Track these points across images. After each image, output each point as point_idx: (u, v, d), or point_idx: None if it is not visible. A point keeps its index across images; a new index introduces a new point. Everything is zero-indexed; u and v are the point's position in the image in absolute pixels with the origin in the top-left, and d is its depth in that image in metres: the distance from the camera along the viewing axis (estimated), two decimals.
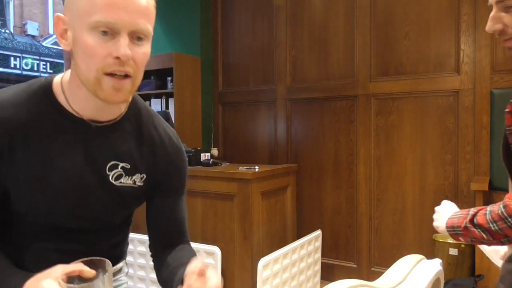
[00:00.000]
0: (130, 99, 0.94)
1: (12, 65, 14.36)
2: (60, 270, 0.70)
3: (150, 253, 1.07)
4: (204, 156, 3.08)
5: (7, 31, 14.84)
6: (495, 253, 1.23)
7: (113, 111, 0.91)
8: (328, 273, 3.28)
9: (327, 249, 3.31)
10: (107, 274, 0.70)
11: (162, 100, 3.61)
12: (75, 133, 0.87)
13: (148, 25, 0.81)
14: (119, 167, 0.92)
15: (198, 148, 3.25)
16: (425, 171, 2.98)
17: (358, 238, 3.23)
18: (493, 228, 0.96)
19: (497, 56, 2.75)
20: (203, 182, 2.80)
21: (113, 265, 1.03)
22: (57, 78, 0.90)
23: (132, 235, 2.64)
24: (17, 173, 0.84)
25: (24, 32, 16.07)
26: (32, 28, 16.15)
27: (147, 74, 3.67)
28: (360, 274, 3.20)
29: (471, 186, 2.55)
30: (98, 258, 0.72)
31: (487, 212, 0.98)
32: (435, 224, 1.16)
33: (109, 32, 0.77)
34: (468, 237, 1.02)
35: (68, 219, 0.90)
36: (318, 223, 3.37)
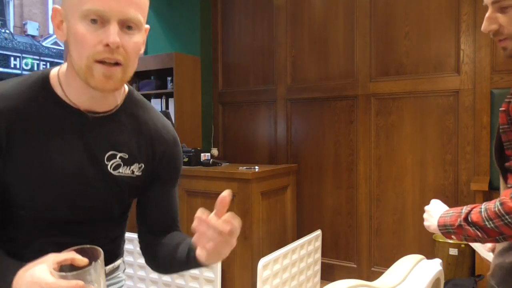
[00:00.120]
0: (122, 88, 0.95)
1: (12, 65, 14.37)
2: (52, 258, 0.70)
3: (140, 244, 1.07)
4: (204, 156, 3.08)
5: (7, 31, 14.85)
6: (483, 246, 1.24)
7: (109, 102, 0.92)
8: (328, 273, 3.28)
9: (327, 249, 3.31)
10: (99, 261, 0.70)
11: (162, 100, 3.61)
12: (73, 124, 0.89)
13: (138, 15, 0.82)
14: (118, 157, 0.93)
15: (198, 148, 3.25)
16: (425, 171, 2.98)
17: (358, 238, 3.23)
18: (488, 226, 0.95)
19: (497, 56, 2.75)
20: (203, 182, 2.80)
21: (112, 262, 1.04)
22: (54, 71, 0.92)
23: (132, 235, 2.64)
24: (15, 165, 0.85)
25: (24, 32, 16.08)
26: (32, 28, 16.16)
27: (147, 74, 3.67)
28: (360, 274, 3.20)
29: (471, 186, 2.55)
30: (89, 246, 0.72)
31: (482, 210, 0.98)
32: (426, 223, 1.16)
33: (98, 20, 0.79)
34: (461, 235, 1.02)
35: (67, 210, 0.90)
36: (318, 223, 3.37)
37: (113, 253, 1.05)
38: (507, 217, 0.92)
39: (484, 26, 1.01)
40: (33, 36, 16.03)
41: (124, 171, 0.94)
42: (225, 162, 3.31)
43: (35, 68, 14.68)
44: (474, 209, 1.00)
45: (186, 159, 3.01)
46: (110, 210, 0.97)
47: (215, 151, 3.57)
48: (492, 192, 2.56)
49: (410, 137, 3.03)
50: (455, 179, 2.89)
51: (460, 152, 2.87)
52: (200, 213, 0.79)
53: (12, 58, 14.38)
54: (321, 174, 3.38)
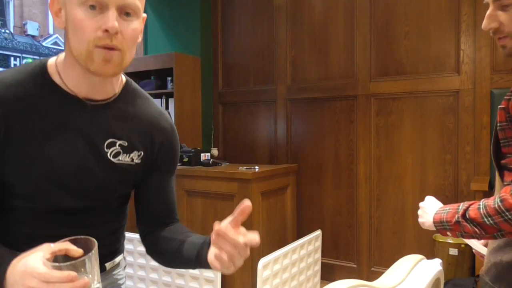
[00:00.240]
0: (120, 75, 0.96)
1: (12, 65, 14.39)
2: (46, 248, 0.70)
3: (140, 234, 1.08)
4: (204, 156, 3.08)
5: (7, 31, 14.86)
6: (477, 240, 1.23)
7: (107, 90, 0.93)
8: (328, 273, 3.28)
9: (327, 249, 3.31)
10: (93, 252, 0.69)
11: (162, 100, 3.61)
12: (71, 111, 0.89)
13: (136, 1, 0.84)
14: (117, 145, 0.93)
15: (198, 148, 3.25)
16: (425, 171, 2.98)
17: (358, 238, 3.23)
18: (487, 222, 0.95)
19: (497, 56, 2.75)
20: (203, 182, 2.80)
21: (112, 258, 1.04)
22: (52, 60, 0.92)
23: (132, 235, 2.65)
24: (14, 151, 0.85)
25: (24, 32, 16.09)
26: (32, 28, 16.17)
27: (147, 74, 3.67)
28: (360, 274, 3.20)
29: (471, 186, 2.55)
30: (84, 237, 0.72)
31: (481, 206, 0.98)
32: (420, 220, 1.16)
33: (97, 6, 0.80)
34: (458, 232, 1.02)
35: (66, 198, 0.90)
36: (318, 223, 3.37)
37: (113, 247, 1.05)
38: (507, 213, 0.92)
39: (485, 24, 1.01)
40: (33, 36, 16.03)
41: (124, 158, 0.95)
42: (225, 162, 3.31)
43: None
44: (472, 206, 1.00)
45: (186, 159, 3.01)
46: (109, 198, 0.97)
47: (215, 151, 3.57)
48: (492, 192, 2.56)
49: (410, 137, 3.03)
50: (455, 179, 2.89)
51: (460, 152, 2.87)
52: (218, 225, 0.81)
53: (12, 58, 14.39)
54: (321, 174, 3.38)
